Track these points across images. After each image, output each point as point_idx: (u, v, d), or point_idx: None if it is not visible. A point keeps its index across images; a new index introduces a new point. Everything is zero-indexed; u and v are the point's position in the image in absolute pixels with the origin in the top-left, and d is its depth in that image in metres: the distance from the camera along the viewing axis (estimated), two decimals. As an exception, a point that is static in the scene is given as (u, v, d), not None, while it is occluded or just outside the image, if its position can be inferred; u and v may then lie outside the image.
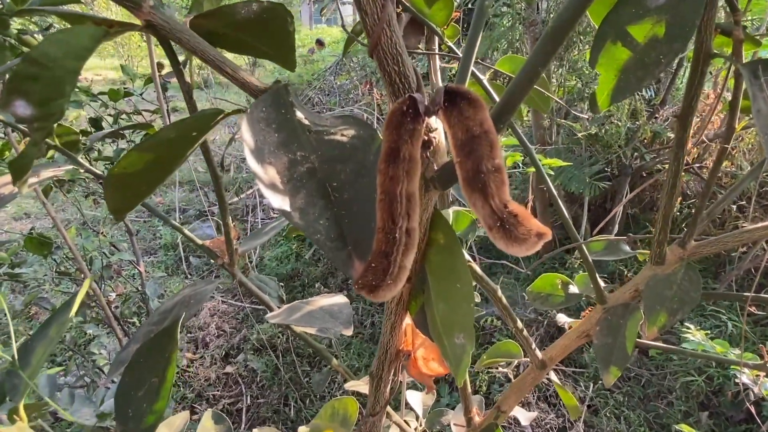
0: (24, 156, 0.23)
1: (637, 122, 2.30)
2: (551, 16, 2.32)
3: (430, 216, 0.29)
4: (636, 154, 2.48)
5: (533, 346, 0.54)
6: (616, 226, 2.55)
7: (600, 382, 2.12)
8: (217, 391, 2.27)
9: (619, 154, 2.32)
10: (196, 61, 0.39)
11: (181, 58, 0.40)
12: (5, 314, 1.94)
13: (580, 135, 2.49)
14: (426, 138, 0.24)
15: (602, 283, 0.55)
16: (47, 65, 0.21)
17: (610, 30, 0.37)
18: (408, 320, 0.35)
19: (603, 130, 2.46)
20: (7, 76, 0.20)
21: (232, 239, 0.49)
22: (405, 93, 0.24)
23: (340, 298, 0.48)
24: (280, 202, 0.23)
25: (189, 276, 3.06)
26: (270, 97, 0.26)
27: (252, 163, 0.24)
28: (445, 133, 0.23)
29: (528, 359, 0.59)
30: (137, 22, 0.29)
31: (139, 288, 2.08)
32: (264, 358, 2.42)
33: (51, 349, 0.35)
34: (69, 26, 0.28)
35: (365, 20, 0.23)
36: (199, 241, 0.51)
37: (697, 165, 2.58)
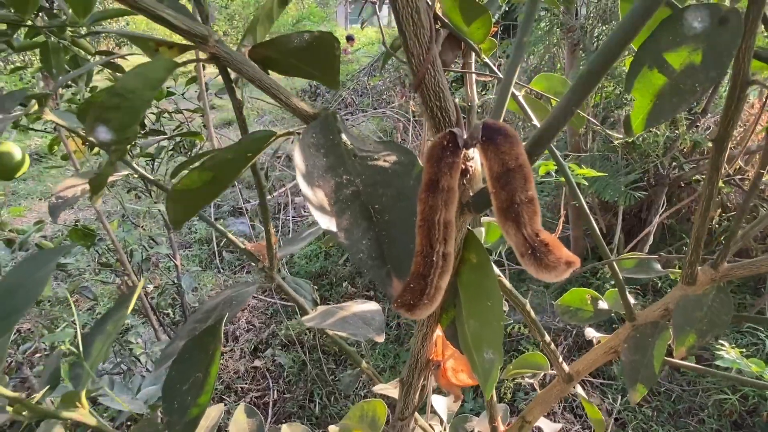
0: (102, 175, 0.26)
1: (677, 131, 2.25)
2: (590, 22, 2.29)
3: (464, 236, 0.31)
4: (674, 163, 2.42)
5: (560, 359, 0.55)
6: (651, 237, 2.49)
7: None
8: (246, 384, 2.33)
9: (657, 164, 2.27)
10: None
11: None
12: (47, 302, 2.04)
13: (616, 143, 2.44)
14: (463, 167, 0.26)
15: (632, 300, 0.55)
16: (127, 96, 0.24)
17: (647, 56, 0.38)
18: (439, 332, 0.37)
19: (641, 139, 2.41)
20: (92, 109, 0.23)
21: (272, 245, 0.51)
22: (445, 126, 0.26)
23: (373, 305, 0.50)
24: (327, 222, 0.25)
25: (221, 271, 3.15)
26: (320, 124, 0.28)
27: (303, 186, 0.26)
28: (482, 162, 0.25)
29: (554, 371, 0.60)
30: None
31: (175, 281, 2.15)
32: (291, 354, 2.47)
33: (109, 342, 0.38)
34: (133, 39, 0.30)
35: (411, 60, 0.25)
36: (242, 245, 0.54)
37: (739, 177, 2.50)
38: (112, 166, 0.26)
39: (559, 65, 2.65)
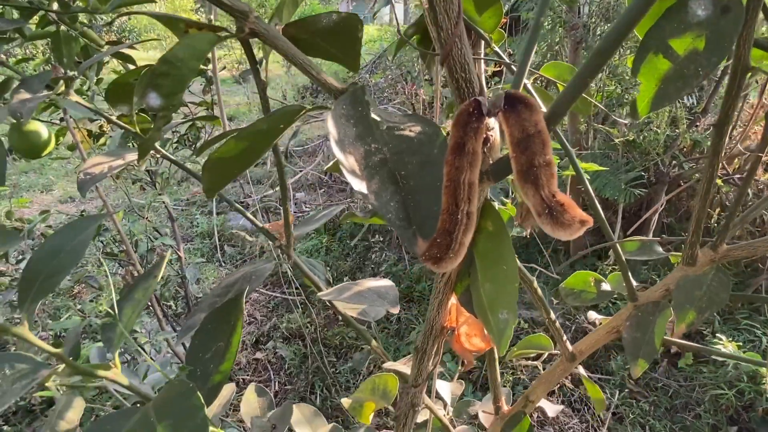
0: (149, 139, 0.28)
1: (677, 130, 2.27)
2: (593, 20, 2.31)
3: (481, 205, 0.33)
4: (674, 162, 2.44)
5: (564, 337, 0.57)
6: (651, 234, 2.51)
7: (626, 390, 2.10)
8: (247, 375, 2.36)
9: (657, 162, 2.29)
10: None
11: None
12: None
13: (617, 141, 2.47)
14: (485, 135, 0.28)
15: (635, 283, 0.58)
16: (176, 64, 0.26)
17: (653, 42, 0.40)
18: (453, 300, 0.39)
19: (641, 137, 2.44)
20: (143, 76, 0.25)
21: (290, 223, 0.53)
22: (470, 96, 0.28)
23: (386, 281, 0.52)
24: (359, 185, 0.28)
25: (223, 264, 3.17)
26: (349, 97, 0.30)
27: (336, 151, 0.28)
28: (502, 132, 0.27)
29: (558, 351, 0.62)
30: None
31: (179, 272, 2.17)
32: (293, 347, 2.49)
33: (139, 310, 0.40)
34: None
35: (439, 33, 0.27)
36: (259, 224, 0.56)
37: (738, 176, 2.52)
38: (158, 131, 0.28)
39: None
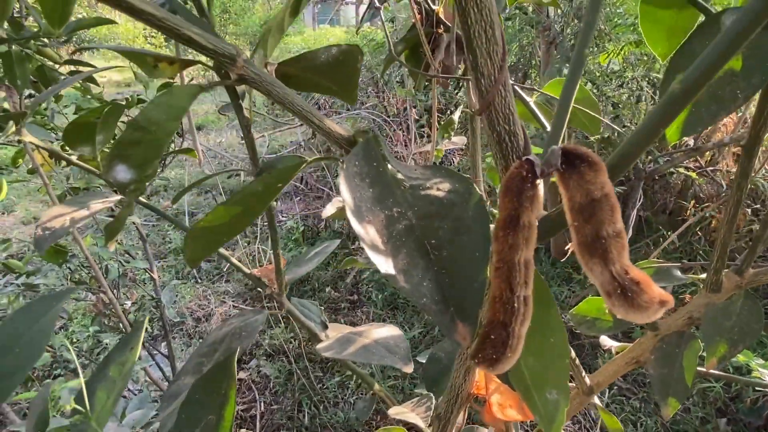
0: (118, 220, 0.22)
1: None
2: (564, 20, 2.30)
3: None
4: (650, 157, 2.47)
5: (583, 373, 0.54)
6: (630, 230, 2.53)
7: (616, 386, 2.10)
8: (231, 397, 2.27)
9: (634, 159, 2.30)
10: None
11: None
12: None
13: (592, 138, 2.47)
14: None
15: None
16: (149, 129, 0.21)
17: (683, 62, 0.36)
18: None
19: (616, 134, 2.45)
20: (112, 143, 0.19)
21: (282, 269, 0.48)
22: (514, 152, 0.24)
23: (393, 330, 0.47)
24: (384, 265, 0.23)
25: (200, 281, 3.06)
26: (362, 151, 0.25)
27: (353, 222, 0.23)
28: (561, 192, 0.22)
29: (573, 384, 0.58)
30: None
31: (153, 294, 2.08)
32: (277, 364, 2.42)
33: (116, 393, 0.35)
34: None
35: (480, 81, 0.22)
36: (247, 270, 0.50)
37: (711, 168, 2.57)
38: (129, 209, 0.22)
39: (534, 62, 2.67)
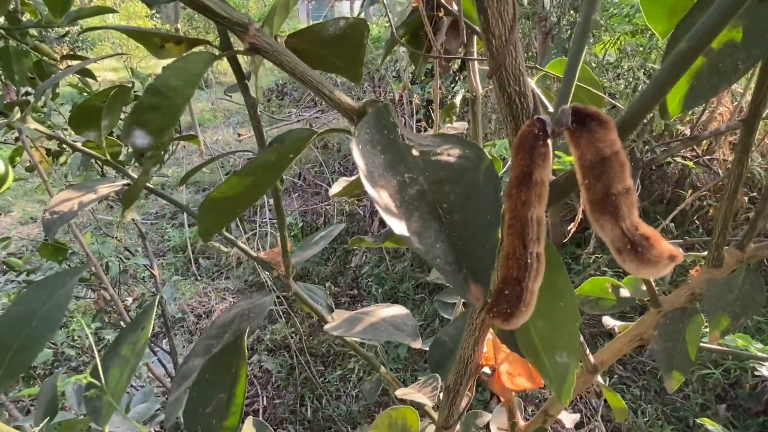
0: (135, 186, 0.23)
1: (650, 115, 2.30)
2: (561, 11, 2.30)
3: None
4: (647, 147, 2.47)
5: (587, 351, 0.54)
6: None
7: (616, 375, 2.12)
8: (233, 392, 2.28)
9: (633, 148, 2.31)
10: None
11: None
12: None
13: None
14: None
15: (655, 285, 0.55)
16: (167, 94, 0.21)
17: (683, 35, 0.36)
18: (489, 335, 0.35)
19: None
20: (130, 107, 0.20)
21: (288, 251, 0.48)
22: (524, 113, 0.24)
23: (400, 309, 0.48)
24: (398, 226, 0.23)
25: (199, 278, 3.06)
26: (373, 119, 0.26)
27: (367, 186, 0.23)
28: (571, 150, 0.23)
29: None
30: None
31: (153, 291, 2.08)
32: (278, 359, 2.42)
33: (129, 371, 0.35)
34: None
35: (491, 41, 0.23)
36: (253, 254, 0.51)
37: (707, 158, 2.58)
38: (146, 176, 0.23)
39: (530, 53, 2.67)
